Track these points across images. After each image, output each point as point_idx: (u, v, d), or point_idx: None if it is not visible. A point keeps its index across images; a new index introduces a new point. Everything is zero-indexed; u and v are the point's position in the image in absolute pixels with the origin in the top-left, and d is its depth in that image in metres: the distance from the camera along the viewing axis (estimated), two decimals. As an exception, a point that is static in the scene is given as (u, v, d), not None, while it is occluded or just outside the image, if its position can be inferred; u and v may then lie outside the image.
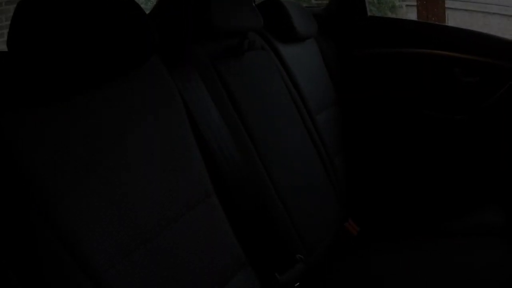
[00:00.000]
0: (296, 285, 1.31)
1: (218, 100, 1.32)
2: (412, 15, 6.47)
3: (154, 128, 1.06)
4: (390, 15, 6.74)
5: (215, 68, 1.39)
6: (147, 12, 1.41)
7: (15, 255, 0.76)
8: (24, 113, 0.83)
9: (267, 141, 1.46)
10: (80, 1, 0.92)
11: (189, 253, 1.04)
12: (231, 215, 1.19)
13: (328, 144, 1.85)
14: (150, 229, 0.96)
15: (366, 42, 2.28)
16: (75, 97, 0.91)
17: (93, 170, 0.90)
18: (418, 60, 2.18)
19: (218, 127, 1.26)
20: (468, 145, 2.09)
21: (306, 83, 1.87)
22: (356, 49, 2.29)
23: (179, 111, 1.15)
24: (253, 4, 1.62)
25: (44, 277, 0.78)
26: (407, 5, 7.01)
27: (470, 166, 2.07)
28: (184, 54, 1.33)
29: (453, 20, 5.41)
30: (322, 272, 1.54)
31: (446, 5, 4.90)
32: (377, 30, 2.29)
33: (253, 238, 1.24)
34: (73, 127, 0.90)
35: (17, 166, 0.80)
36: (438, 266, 1.51)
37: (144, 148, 1.02)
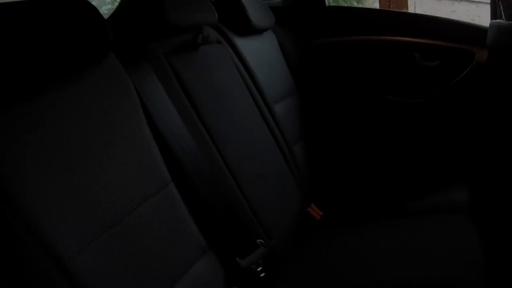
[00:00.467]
0: (258, 269, 1.35)
1: (173, 94, 1.35)
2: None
3: (112, 123, 1.10)
4: (356, 5, 6.78)
5: (170, 64, 1.42)
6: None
7: None
8: None
9: (223, 131, 1.49)
10: (34, 4, 0.95)
11: (150, 240, 1.08)
12: (190, 203, 1.22)
13: (287, 132, 1.88)
14: (112, 217, 1.00)
15: (325, 31, 2.32)
16: (34, 97, 0.94)
17: (56, 163, 0.93)
18: (377, 47, 2.22)
19: (174, 120, 1.29)
20: (431, 126, 2.13)
21: (263, 74, 1.90)
22: (315, 38, 2.33)
23: (136, 106, 1.18)
24: None
25: (14, 266, 0.81)
26: (374, -5, 7.06)
27: (434, 147, 2.12)
28: (139, 51, 1.36)
29: (420, 8, 5.46)
30: (284, 256, 1.58)
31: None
32: (335, 19, 2.32)
33: (213, 224, 1.27)
34: (35, 124, 0.93)
35: None
36: (403, 246, 1.55)
37: (104, 142, 1.05)
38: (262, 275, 1.35)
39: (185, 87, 1.43)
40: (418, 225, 1.68)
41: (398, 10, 2.69)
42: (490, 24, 1.90)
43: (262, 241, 1.41)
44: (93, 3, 1.09)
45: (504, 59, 1.83)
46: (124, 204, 1.04)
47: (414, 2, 4.90)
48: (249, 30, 1.92)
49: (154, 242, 1.08)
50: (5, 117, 0.88)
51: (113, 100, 1.13)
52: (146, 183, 1.12)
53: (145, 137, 1.17)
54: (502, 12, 1.84)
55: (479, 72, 2.00)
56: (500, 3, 1.85)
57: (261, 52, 2.01)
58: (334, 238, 1.70)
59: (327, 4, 2.35)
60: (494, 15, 1.99)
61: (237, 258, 1.30)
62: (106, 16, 1.22)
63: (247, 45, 1.88)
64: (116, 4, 1.54)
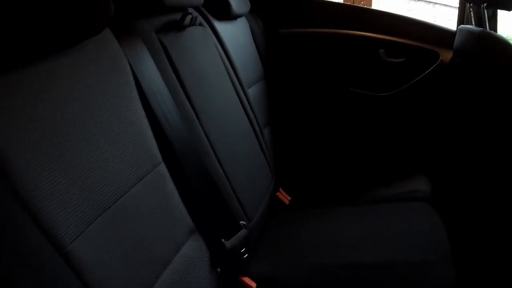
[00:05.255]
0: (241, 251, 1.39)
1: (162, 71, 1.35)
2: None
3: (107, 99, 1.06)
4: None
5: (160, 41, 1.41)
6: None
7: None
8: None
9: (207, 112, 1.50)
10: None
11: (143, 221, 1.06)
12: (178, 184, 1.23)
13: (258, 116, 1.93)
14: (108, 198, 0.98)
15: (294, 22, 2.37)
16: (26, 68, 0.90)
17: (50, 140, 0.89)
18: (344, 41, 2.28)
19: (164, 97, 1.28)
20: (394, 120, 2.23)
21: (239, 59, 1.93)
22: (283, 28, 2.37)
23: (129, 82, 1.16)
24: None
25: (12, 251, 0.76)
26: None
27: (395, 139, 2.22)
28: (132, 27, 1.35)
29: (377, 5, 5.53)
30: (259, 238, 1.63)
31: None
32: (305, 10, 2.37)
33: (200, 205, 1.29)
34: (28, 97, 0.88)
35: None
36: (372, 230, 1.63)
37: (98, 119, 1.02)
38: (245, 256, 1.40)
39: (174, 66, 1.43)
40: (383, 211, 1.77)
41: (367, 7, 2.75)
42: (459, 29, 2.00)
43: (244, 223, 1.45)
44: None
45: (469, 62, 1.92)
46: (119, 185, 1.02)
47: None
48: (227, 15, 1.94)
49: (146, 223, 1.07)
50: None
51: (108, 76, 1.10)
52: (139, 163, 1.10)
53: (138, 116, 1.15)
54: (472, 18, 1.93)
55: (443, 72, 2.10)
56: (471, 9, 1.93)
57: (236, 37, 2.03)
58: (304, 221, 1.77)
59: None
60: (461, 19, 2.09)
61: (222, 240, 1.33)
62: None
63: (225, 30, 1.90)
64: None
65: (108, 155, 1.01)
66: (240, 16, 2.10)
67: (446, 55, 2.11)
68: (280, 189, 1.97)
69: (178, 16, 1.53)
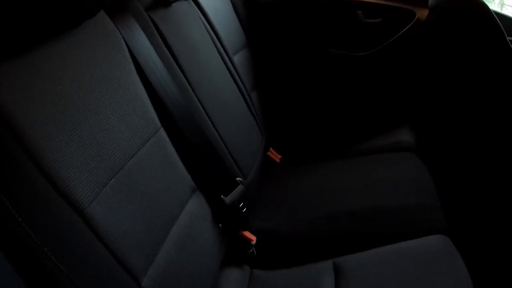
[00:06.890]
0: (240, 206, 1.49)
1: (155, 45, 1.44)
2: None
3: (111, 73, 1.16)
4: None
5: (150, 18, 1.50)
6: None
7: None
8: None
9: (200, 81, 1.60)
10: None
11: (150, 183, 1.16)
12: (178, 147, 1.33)
13: (245, 81, 2.03)
14: (117, 163, 1.07)
15: None
16: (40, 50, 0.99)
17: (61, 112, 0.97)
18: (321, 4, 2.34)
19: (159, 69, 1.37)
20: (375, 77, 2.31)
21: (222, 29, 2.02)
22: None
23: (127, 58, 1.25)
24: None
25: (33, 214, 0.83)
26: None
27: (378, 95, 2.31)
28: (123, 6, 1.43)
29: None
30: (256, 193, 1.75)
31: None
32: None
33: (198, 165, 1.39)
34: (39, 74, 0.96)
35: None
36: (362, 179, 1.74)
37: (105, 91, 1.11)
38: (243, 211, 1.51)
39: (165, 40, 1.52)
40: (371, 162, 1.88)
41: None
42: None
43: (241, 180, 1.56)
44: None
45: (444, 18, 2.01)
46: (125, 150, 1.11)
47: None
48: None
49: (152, 184, 1.17)
50: (11, 68, 0.91)
51: (106, 52, 1.19)
52: (141, 129, 1.19)
53: (137, 87, 1.24)
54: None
55: (420, 29, 2.18)
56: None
57: (217, 8, 2.11)
58: (296, 176, 1.87)
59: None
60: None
61: (222, 196, 1.44)
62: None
63: (206, 2, 1.98)
64: None
65: (115, 123, 1.11)
66: None
67: (422, 13, 2.19)
68: (271, 149, 2.07)
69: None
